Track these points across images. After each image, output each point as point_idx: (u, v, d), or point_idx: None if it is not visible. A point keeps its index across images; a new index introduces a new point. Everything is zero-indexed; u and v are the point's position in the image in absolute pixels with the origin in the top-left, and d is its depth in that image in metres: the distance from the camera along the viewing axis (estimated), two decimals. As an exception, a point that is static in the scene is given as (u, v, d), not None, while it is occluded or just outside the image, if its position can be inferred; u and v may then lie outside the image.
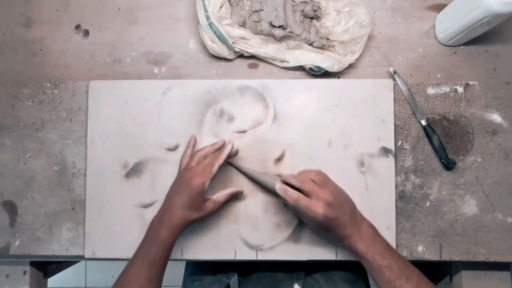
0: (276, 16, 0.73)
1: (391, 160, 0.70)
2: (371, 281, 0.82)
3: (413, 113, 0.71)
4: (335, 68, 0.71)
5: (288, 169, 0.70)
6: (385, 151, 0.70)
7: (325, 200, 0.59)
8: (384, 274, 0.58)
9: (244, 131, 0.71)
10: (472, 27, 0.67)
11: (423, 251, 0.69)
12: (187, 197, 0.62)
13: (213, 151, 0.67)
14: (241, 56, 0.75)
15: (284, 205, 0.68)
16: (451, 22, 0.71)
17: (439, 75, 0.75)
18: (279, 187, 0.62)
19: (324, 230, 0.61)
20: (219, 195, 0.65)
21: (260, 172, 0.70)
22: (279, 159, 0.70)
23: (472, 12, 0.64)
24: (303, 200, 0.60)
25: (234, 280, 0.75)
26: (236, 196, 0.69)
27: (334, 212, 0.59)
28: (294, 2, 0.74)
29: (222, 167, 0.64)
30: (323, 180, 0.62)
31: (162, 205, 0.65)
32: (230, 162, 0.70)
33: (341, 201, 0.61)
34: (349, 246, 0.61)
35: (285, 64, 0.74)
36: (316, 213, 0.59)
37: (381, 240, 0.61)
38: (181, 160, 0.68)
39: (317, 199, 0.59)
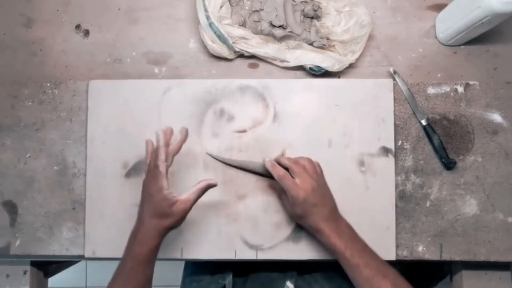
0: (276, 16, 0.73)
1: (391, 160, 0.70)
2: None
3: (413, 113, 0.71)
4: (335, 68, 0.71)
5: (288, 169, 0.70)
6: (385, 150, 0.70)
7: (310, 184, 0.61)
8: (362, 272, 0.59)
9: (244, 131, 0.71)
10: (472, 27, 0.67)
11: (423, 251, 0.69)
12: (151, 205, 0.59)
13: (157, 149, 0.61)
14: (241, 56, 0.75)
15: (273, 189, 0.70)
16: (451, 21, 0.71)
17: (439, 75, 0.75)
18: (268, 161, 0.64)
19: (301, 215, 0.62)
20: (189, 193, 0.60)
21: (245, 160, 0.70)
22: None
23: (472, 12, 0.64)
24: (288, 178, 0.62)
25: (228, 280, 0.75)
26: (209, 189, 0.62)
27: (315, 199, 0.61)
28: (294, 1, 0.74)
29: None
30: (314, 168, 0.64)
31: (136, 220, 0.62)
32: (212, 156, 0.71)
33: (324, 192, 0.63)
34: (327, 242, 0.61)
35: (285, 64, 0.74)
36: (298, 193, 0.60)
37: (359, 238, 0.62)
38: (145, 170, 0.64)
39: (302, 181, 0.61)
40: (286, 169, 0.64)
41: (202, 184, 0.61)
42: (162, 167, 0.59)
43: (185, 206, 0.59)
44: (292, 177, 0.62)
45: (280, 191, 0.66)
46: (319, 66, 0.72)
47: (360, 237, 0.62)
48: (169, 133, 0.63)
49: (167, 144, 0.61)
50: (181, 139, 0.64)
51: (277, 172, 0.63)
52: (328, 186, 0.65)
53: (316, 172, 0.64)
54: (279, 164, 0.64)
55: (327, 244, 0.61)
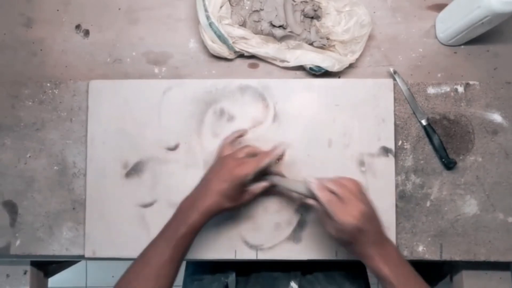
0: (276, 16, 0.73)
1: (391, 159, 0.70)
2: (371, 280, 0.82)
3: (414, 112, 0.71)
4: (335, 68, 0.71)
5: (288, 169, 0.69)
6: (386, 150, 0.70)
7: (360, 209, 0.56)
8: None
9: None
10: (472, 27, 0.67)
11: (423, 251, 0.69)
12: (227, 185, 0.60)
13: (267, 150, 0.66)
14: (241, 56, 0.75)
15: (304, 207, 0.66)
16: (451, 21, 0.71)
17: (439, 75, 0.75)
18: (313, 182, 0.59)
19: (348, 241, 0.58)
20: (255, 187, 0.64)
21: (289, 179, 0.67)
22: (279, 159, 0.70)
23: (472, 12, 0.64)
24: (337, 204, 0.56)
25: (231, 279, 0.75)
26: (267, 191, 0.66)
27: (365, 225, 0.56)
28: (295, 1, 0.74)
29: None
30: (360, 190, 0.59)
31: (195, 189, 0.63)
32: (265, 179, 0.66)
33: (372, 215, 0.59)
34: (372, 266, 0.58)
35: (285, 64, 0.74)
36: (347, 220, 0.55)
37: (405, 263, 0.59)
38: (222, 146, 0.68)
39: (351, 206, 0.56)
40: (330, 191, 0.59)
41: (267, 183, 0.65)
42: (264, 163, 0.62)
43: (249, 197, 0.64)
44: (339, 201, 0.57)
45: (322, 213, 0.59)
46: (319, 66, 0.72)
47: (407, 262, 0.59)
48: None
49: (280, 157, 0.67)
50: (278, 153, 0.66)
51: (325, 196, 0.57)
52: (374, 206, 0.60)
53: (362, 193, 0.59)
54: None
55: (373, 268, 0.58)
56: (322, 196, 0.57)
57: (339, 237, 0.58)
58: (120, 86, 0.73)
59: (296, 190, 0.64)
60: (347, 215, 0.56)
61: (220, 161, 0.65)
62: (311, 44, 0.74)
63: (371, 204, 0.60)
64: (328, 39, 0.74)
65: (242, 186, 0.61)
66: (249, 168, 0.61)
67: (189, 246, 0.60)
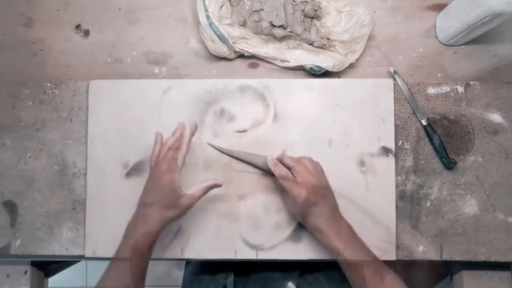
0: (276, 15, 0.73)
1: (391, 159, 0.70)
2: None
3: (414, 112, 0.71)
4: (335, 68, 0.71)
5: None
6: (386, 150, 0.70)
7: (311, 183, 0.62)
8: (360, 273, 0.58)
9: (244, 131, 0.71)
10: (473, 27, 0.67)
11: (423, 251, 0.69)
12: (160, 196, 0.60)
13: (176, 141, 0.64)
14: (241, 56, 0.75)
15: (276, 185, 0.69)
16: (452, 21, 0.71)
17: (439, 75, 0.75)
18: (270, 159, 0.65)
19: (301, 214, 0.63)
20: (195, 189, 0.62)
21: (248, 152, 0.70)
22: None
23: (473, 12, 0.64)
24: (290, 178, 0.62)
25: (230, 279, 0.75)
26: (214, 188, 0.66)
27: (316, 198, 0.61)
28: (295, 1, 0.74)
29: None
30: (315, 167, 0.64)
31: (136, 210, 0.63)
32: (212, 145, 0.71)
33: (325, 192, 0.63)
34: (326, 241, 0.61)
35: (285, 64, 0.74)
36: (299, 192, 0.61)
37: (358, 240, 0.62)
38: (150, 160, 0.65)
39: (303, 180, 0.62)
40: (288, 168, 0.64)
41: (208, 183, 0.64)
42: (180, 161, 0.61)
43: (190, 201, 0.62)
44: (294, 176, 0.63)
45: (281, 189, 0.67)
46: (319, 66, 0.72)
47: (360, 239, 0.62)
48: (194, 128, 0.65)
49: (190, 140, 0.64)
50: (186, 141, 0.64)
51: (279, 171, 0.63)
52: (329, 186, 0.65)
53: (318, 171, 0.64)
54: (281, 163, 0.65)
55: (326, 243, 0.61)
56: (278, 171, 0.63)
57: (294, 210, 0.64)
58: (120, 86, 0.73)
59: (254, 164, 0.69)
60: (300, 187, 0.61)
61: (149, 175, 0.64)
62: (311, 44, 0.74)
63: (326, 182, 0.65)
64: (328, 39, 0.74)
65: (174, 192, 0.60)
66: (171, 173, 0.60)
67: (143, 270, 0.60)
